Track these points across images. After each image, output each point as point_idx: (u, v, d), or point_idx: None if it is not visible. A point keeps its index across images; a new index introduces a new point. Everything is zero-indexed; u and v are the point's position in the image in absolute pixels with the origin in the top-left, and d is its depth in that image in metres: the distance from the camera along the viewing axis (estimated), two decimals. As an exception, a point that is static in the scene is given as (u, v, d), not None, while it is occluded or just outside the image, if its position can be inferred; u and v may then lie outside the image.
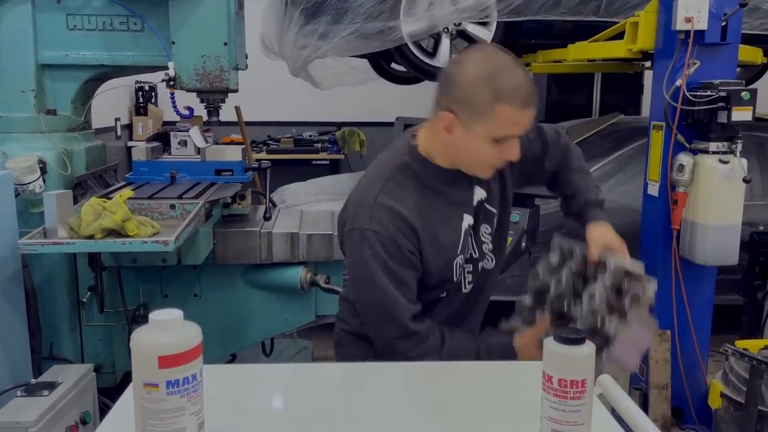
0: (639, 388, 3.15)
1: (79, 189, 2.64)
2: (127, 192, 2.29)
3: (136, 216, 2.20)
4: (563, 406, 1.02)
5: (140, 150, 2.99)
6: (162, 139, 3.61)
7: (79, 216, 2.12)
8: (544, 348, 1.05)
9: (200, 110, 2.76)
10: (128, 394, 1.32)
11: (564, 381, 1.01)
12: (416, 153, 1.56)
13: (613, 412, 1.29)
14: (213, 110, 2.73)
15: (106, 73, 2.73)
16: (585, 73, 5.76)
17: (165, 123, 6.65)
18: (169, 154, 3.41)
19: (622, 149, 4.22)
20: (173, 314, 1.02)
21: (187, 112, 2.69)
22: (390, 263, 1.48)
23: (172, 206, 2.42)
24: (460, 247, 1.58)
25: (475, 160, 1.51)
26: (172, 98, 2.63)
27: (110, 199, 2.20)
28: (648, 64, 4.91)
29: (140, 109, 6.96)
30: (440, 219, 1.55)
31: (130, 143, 6.65)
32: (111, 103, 6.08)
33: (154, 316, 1.02)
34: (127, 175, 2.95)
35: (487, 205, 1.65)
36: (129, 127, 6.92)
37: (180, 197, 2.56)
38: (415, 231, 1.50)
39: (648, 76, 5.78)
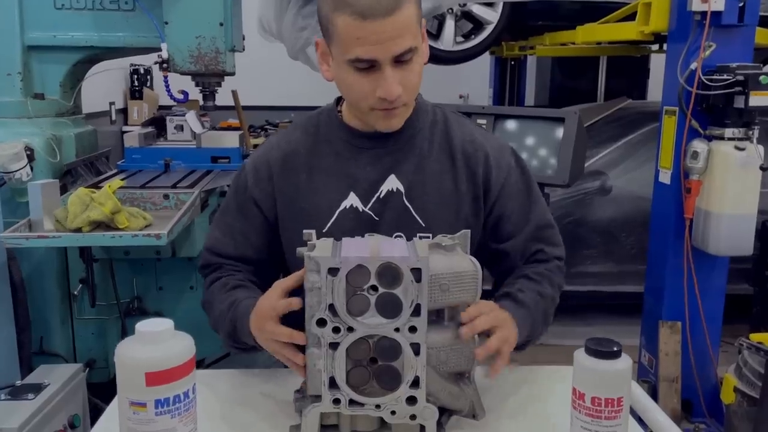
0: (647, 381, 3.08)
1: (68, 177, 2.54)
2: (117, 182, 2.19)
3: (127, 207, 2.11)
4: (597, 426, 0.92)
5: (133, 136, 2.90)
6: (158, 123, 3.53)
7: (66, 207, 2.02)
8: (575, 362, 0.95)
9: (195, 94, 2.66)
10: (115, 404, 1.23)
11: (598, 399, 0.91)
12: (331, 105, 1.39)
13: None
14: (209, 94, 2.62)
15: (96, 54, 2.62)
16: (590, 57, 5.66)
17: (161, 107, 6.53)
18: (166, 139, 3.33)
19: (630, 135, 4.12)
20: (162, 325, 0.92)
21: (181, 96, 2.59)
22: (230, 199, 1.39)
23: (166, 196, 2.34)
24: (328, 227, 1.30)
25: (352, 97, 1.26)
26: (166, 82, 2.52)
27: (100, 188, 2.10)
28: (655, 47, 4.81)
29: (135, 93, 6.83)
30: (311, 181, 1.33)
31: (125, 128, 6.54)
32: (105, 86, 5.97)
33: (141, 326, 0.92)
34: (119, 163, 2.86)
35: (407, 203, 1.32)
36: (124, 112, 6.79)
37: (174, 186, 2.48)
38: (270, 178, 1.34)
39: (654, 60, 5.69)
